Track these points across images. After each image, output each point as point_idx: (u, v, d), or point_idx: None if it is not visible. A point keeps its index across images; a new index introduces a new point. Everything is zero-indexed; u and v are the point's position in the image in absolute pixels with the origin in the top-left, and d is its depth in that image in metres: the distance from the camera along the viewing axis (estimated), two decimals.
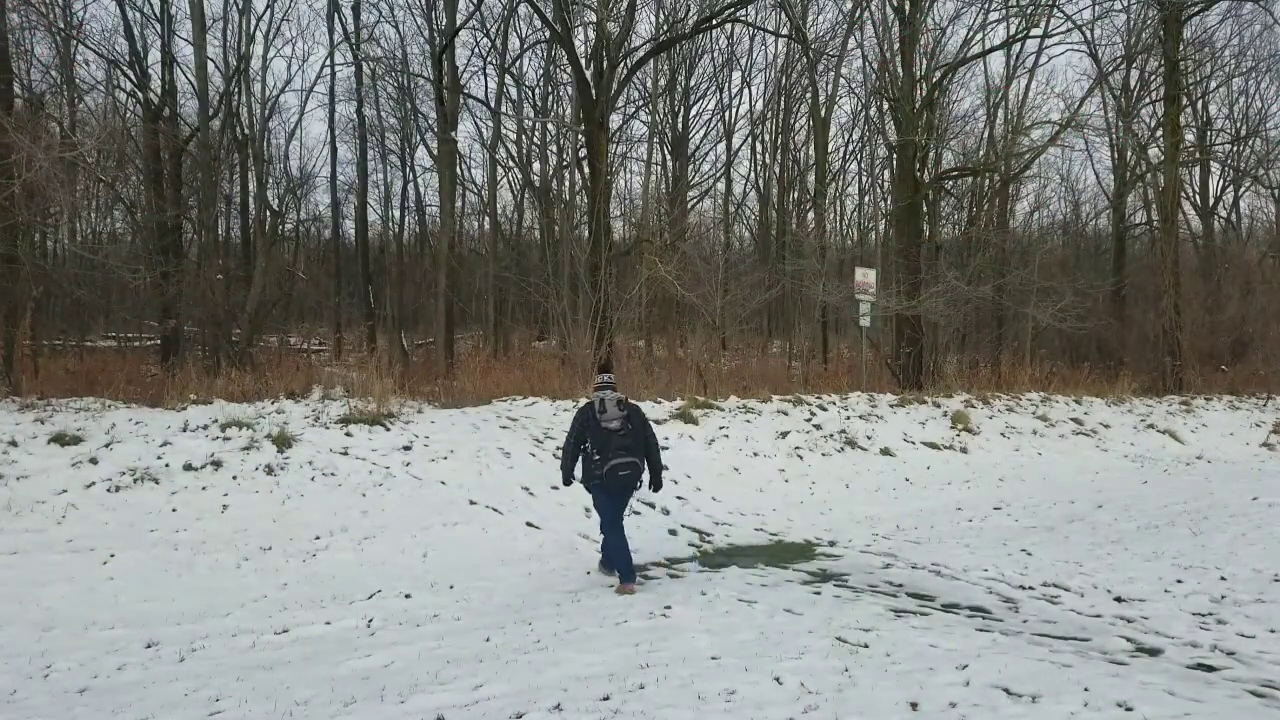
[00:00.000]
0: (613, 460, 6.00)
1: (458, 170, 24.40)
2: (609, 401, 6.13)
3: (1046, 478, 10.81)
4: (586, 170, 19.66)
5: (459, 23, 19.73)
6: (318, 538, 6.68)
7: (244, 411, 8.83)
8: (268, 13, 22.15)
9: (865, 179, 30.93)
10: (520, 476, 8.46)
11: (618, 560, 6.08)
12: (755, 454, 10.25)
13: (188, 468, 7.44)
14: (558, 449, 9.32)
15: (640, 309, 16.54)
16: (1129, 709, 3.53)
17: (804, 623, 4.89)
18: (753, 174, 32.11)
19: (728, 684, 3.84)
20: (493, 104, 23.66)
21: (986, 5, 18.20)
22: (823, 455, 10.60)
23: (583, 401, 7.24)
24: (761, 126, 30.81)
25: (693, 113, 29.78)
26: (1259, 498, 9.25)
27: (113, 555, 5.95)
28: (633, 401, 6.43)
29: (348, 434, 8.67)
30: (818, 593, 5.72)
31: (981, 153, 23.04)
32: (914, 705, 3.60)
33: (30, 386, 9.76)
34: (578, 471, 6.32)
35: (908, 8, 17.28)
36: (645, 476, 6.20)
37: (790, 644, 4.45)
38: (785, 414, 11.51)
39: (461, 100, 22.19)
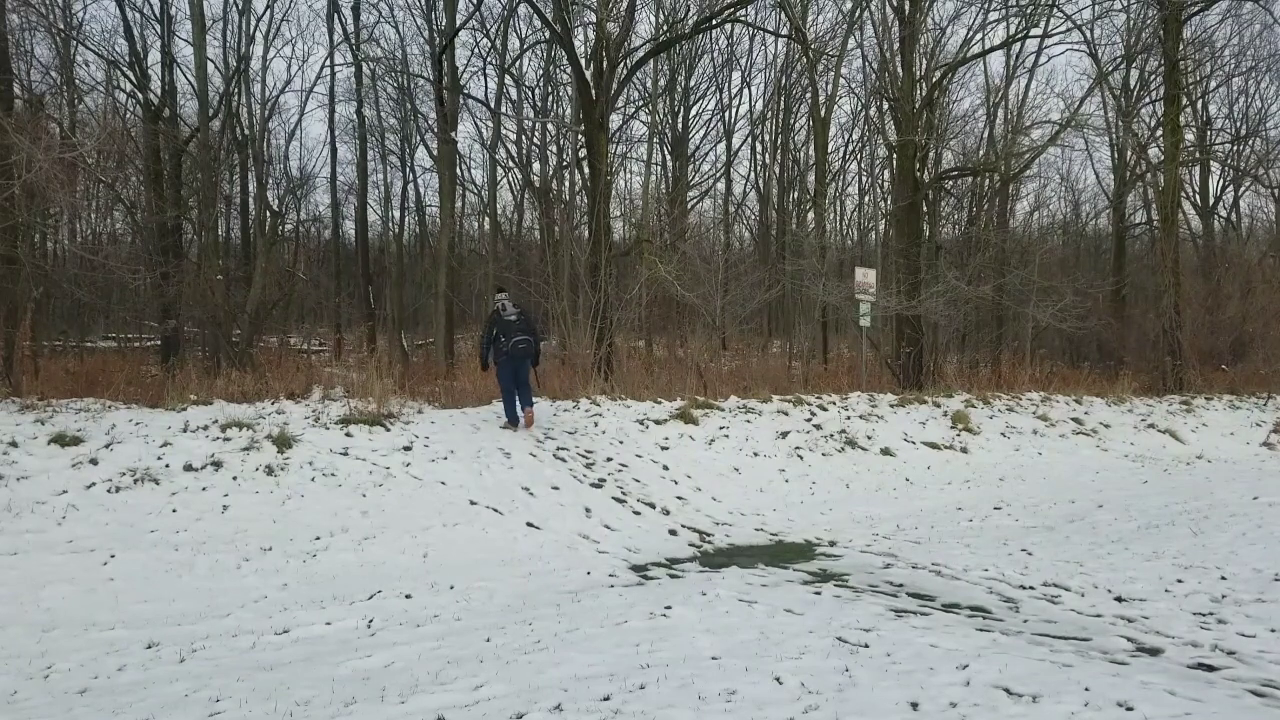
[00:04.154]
0: (514, 338, 9.55)
1: (458, 170, 24.41)
2: (508, 304, 9.80)
3: (1047, 477, 10.81)
4: (586, 170, 19.66)
5: (459, 23, 19.76)
6: (318, 538, 6.68)
7: (244, 412, 8.83)
8: (268, 13, 22.22)
9: (865, 179, 31.02)
10: (520, 477, 8.46)
11: (509, 412, 9.75)
12: (755, 454, 10.26)
13: (188, 468, 7.44)
14: (559, 449, 9.37)
15: (640, 309, 16.53)
16: (1129, 709, 3.53)
17: (804, 623, 4.89)
18: (753, 174, 32.19)
19: (728, 684, 3.84)
20: (493, 104, 23.68)
21: (986, 5, 18.22)
22: (823, 455, 10.60)
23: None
24: (761, 126, 30.87)
25: (693, 113, 29.86)
26: (1259, 497, 9.25)
27: (113, 556, 5.95)
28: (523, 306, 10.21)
29: (348, 434, 8.68)
30: (818, 593, 5.71)
31: (981, 153, 23.06)
32: (914, 705, 3.59)
33: (30, 387, 9.75)
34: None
35: (908, 8, 17.27)
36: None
37: (791, 644, 4.45)
38: (785, 414, 11.51)
39: (461, 100, 22.21)
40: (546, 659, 4.26)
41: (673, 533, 7.74)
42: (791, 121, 29.54)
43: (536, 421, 10.06)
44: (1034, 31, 19.01)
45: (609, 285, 14.32)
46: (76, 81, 19.17)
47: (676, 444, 10.11)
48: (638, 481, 8.97)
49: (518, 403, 9.77)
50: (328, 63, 24.87)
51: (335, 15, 24.44)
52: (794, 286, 18.21)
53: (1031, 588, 5.72)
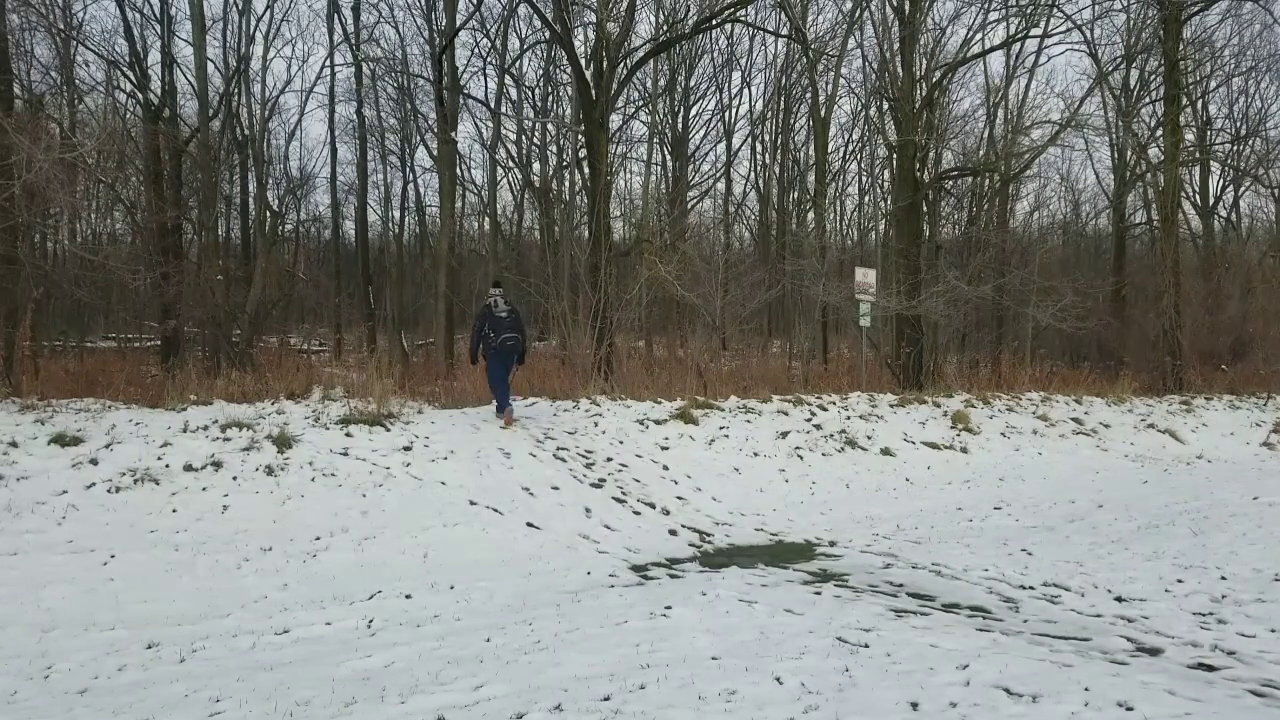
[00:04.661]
0: (503, 335, 9.88)
1: (458, 170, 24.42)
2: (500, 300, 10.08)
3: (1047, 477, 10.81)
4: (586, 170, 19.66)
5: (459, 23, 19.75)
6: (318, 538, 6.68)
7: (244, 412, 8.83)
8: (268, 13, 22.24)
9: (865, 179, 31.04)
10: (520, 477, 8.45)
11: (500, 402, 9.94)
12: (755, 454, 10.25)
13: (188, 468, 7.44)
14: (559, 449, 9.38)
15: (640, 309, 16.52)
16: (1129, 709, 3.53)
17: (804, 623, 4.89)
18: (753, 174, 32.19)
19: (728, 684, 3.84)
20: (493, 104, 23.69)
21: (986, 5, 18.23)
22: (823, 455, 10.60)
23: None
24: (761, 127, 30.87)
25: (693, 113, 29.84)
26: (1259, 497, 9.25)
27: (113, 556, 5.95)
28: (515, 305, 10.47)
29: (348, 434, 8.67)
30: (818, 593, 5.71)
31: (981, 153, 23.07)
32: (914, 705, 3.59)
33: (30, 387, 9.74)
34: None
35: (908, 8, 17.28)
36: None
37: (791, 644, 4.45)
38: (785, 414, 11.51)
39: (461, 101, 22.21)
40: (546, 659, 4.26)
41: (673, 533, 7.73)
42: (791, 121, 29.56)
43: (536, 420, 10.10)
44: (1034, 31, 19.04)
45: (609, 285, 14.32)
46: (76, 81, 19.21)
47: (676, 444, 10.10)
48: (638, 481, 8.97)
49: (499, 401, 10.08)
50: (328, 63, 24.93)
51: (335, 15, 24.47)
52: (794, 286, 18.20)
53: (1031, 588, 5.72)
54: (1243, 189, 27.98)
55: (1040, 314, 17.41)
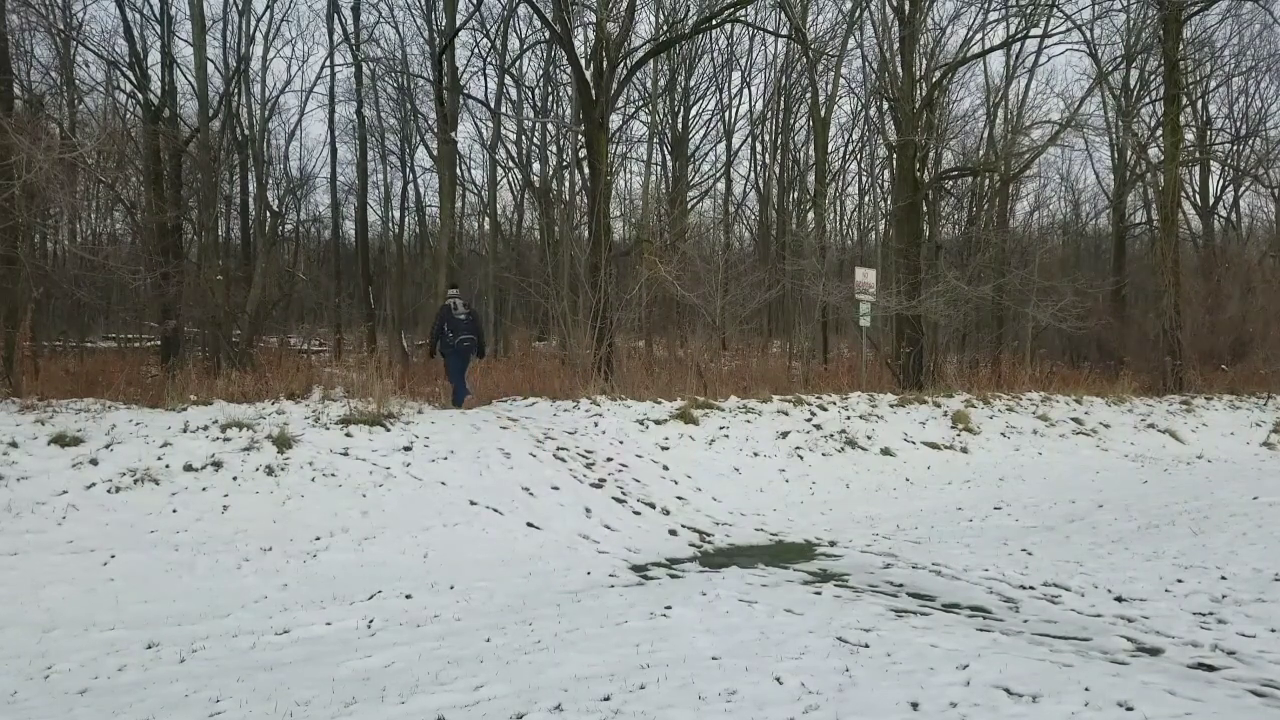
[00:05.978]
0: (461, 335, 10.69)
1: (458, 170, 24.44)
2: (459, 302, 10.89)
3: (1047, 477, 10.81)
4: (586, 170, 19.67)
5: (459, 23, 19.75)
6: (318, 538, 6.68)
7: (244, 412, 8.83)
8: (267, 13, 22.27)
9: (865, 179, 31.08)
10: (520, 477, 8.45)
11: (459, 395, 10.77)
12: (756, 454, 10.25)
13: (188, 468, 7.44)
14: (559, 449, 9.38)
15: (640, 309, 16.52)
16: (1130, 709, 3.53)
17: (804, 623, 4.89)
18: (753, 174, 32.22)
19: (728, 684, 3.84)
20: (493, 104, 23.72)
21: (986, 5, 18.23)
22: (823, 455, 10.60)
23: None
24: (761, 126, 30.89)
25: (692, 113, 29.86)
26: (1259, 497, 9.25)
27: (113, 556, 5.95)
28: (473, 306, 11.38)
29: (348, 435, 8.67)
30: (818, 593, 5.71)
31: (981, 153, 23.07)
32: (914, 705, 3.59)
33: (30, 387, 9.74)
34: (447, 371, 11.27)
35: (907, 8, 17.27)
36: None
37: (791, 644, 4.45)
38: (785, 414, 11.51)
39: (461, 101, 22.21)
40: (546, 659, 4.26)
41: (673, 533, 7.73)
42: (791, 121, 29.56)
43: (536, 420, 10.12)
44: (1034, 31, 19.05)
45: (609, 285, 14.31)
46: (76, 82, 19.21)
47: (676, 444, 10.10)
48: (638, 481, 8.97)
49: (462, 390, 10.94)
50: (328, 63, 24.98)
51: (335, 15, 24.47)
52: (794, 286, 18.20)
53: (1031, 588, 5.71)
54: (1243, 189, 28.02)
55: (1040, 314, 17.40)
